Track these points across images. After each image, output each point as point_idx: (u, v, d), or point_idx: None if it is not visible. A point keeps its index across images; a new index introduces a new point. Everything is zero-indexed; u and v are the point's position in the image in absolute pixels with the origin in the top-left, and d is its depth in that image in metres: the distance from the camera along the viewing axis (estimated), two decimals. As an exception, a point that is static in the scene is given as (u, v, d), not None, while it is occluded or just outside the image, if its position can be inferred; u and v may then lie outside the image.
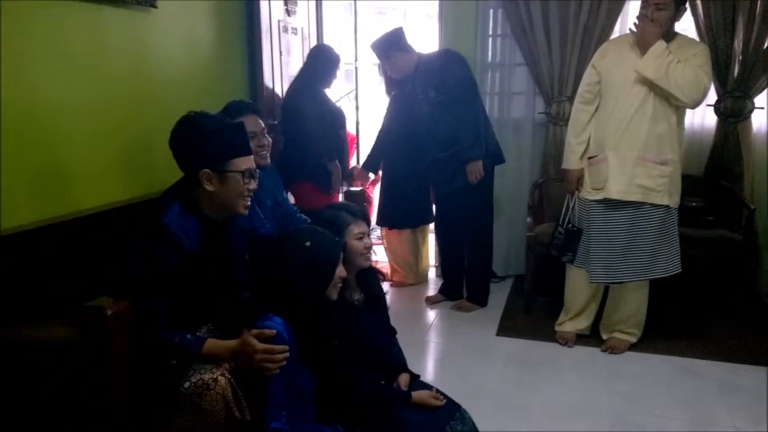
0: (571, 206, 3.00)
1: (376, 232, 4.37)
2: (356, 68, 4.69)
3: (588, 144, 2.90)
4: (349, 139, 4.04)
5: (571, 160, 2.94)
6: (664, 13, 2.61)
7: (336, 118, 3.54)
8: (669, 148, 2.72)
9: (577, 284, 3.04)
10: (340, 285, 1.79)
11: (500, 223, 3.90)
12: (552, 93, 3.74)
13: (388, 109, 3.71)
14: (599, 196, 2.82)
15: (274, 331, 1.62)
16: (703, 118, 3.66)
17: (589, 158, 2.89)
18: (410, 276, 4.02)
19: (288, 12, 3.67)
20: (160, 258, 1.61)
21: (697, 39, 3.29)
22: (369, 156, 3.83)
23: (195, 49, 2.84)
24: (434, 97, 3.30)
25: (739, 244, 3.24)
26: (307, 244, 1.72)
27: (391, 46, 3.37)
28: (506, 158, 3.56)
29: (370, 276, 2.16)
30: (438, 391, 2.13)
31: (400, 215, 3.82)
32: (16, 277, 1.76)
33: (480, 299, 3.60)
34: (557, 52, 3.65)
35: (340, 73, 3.60)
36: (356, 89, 4.76)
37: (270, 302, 1.71)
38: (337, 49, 3.55)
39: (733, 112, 3.48)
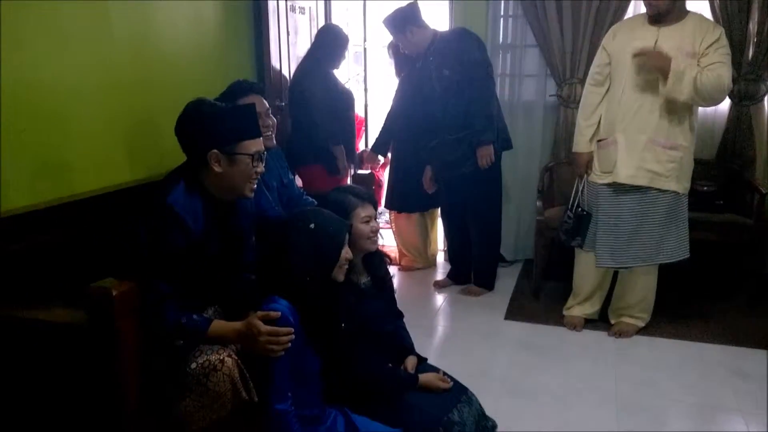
0: (580, 190, 2.97)
1: (384, 216, 4.36)
2: (365, 49, 4.65)
3: (598, 127, 2.87)
4: (357, 121, 4.00)
5: (581, 143, 2.91)
6: None
7: (345, 100, 3.51)
8: (680, 132, 2.68)
9: (586, 269, 3.02)
10: (346, 267, 1.78)
11: (509, 207, 3.88)
12: (564, 75, 3.69)
13: (397, 89, 3.67)
14: (607, 180, 2.79)
15: (279, 313, 1.62)
16: (715, 101, 3.60)
17: (599, 141, 2.85)
18: (418, 260, 4.01)
19: (295, -8, 3.64)
20: (166, 238, 1.61)
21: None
22: (378, 138, 3.80)
23: (201, 30, 2.82)
24: (448, 77, 3.23)
25: (750, 229, 3.20)
26: (312, 226, 1.71)
27: (407, 21, 3.27)
28: (516, 141, 3.53)
29: (377, 259, 2.15)
30: (445, 373, 2.13)
31: (408, 199, 3.80)
32: (22, 259, 1.77)
33: (487, 283, 3.59)
34: (569, 33, 3.60)
35: (349, 54, 3.56)
36: (365, 71, 4.71)
37: (275, 284, 1.71)
38: (345, 30, 3.51)
39: (747, 95, 3.42)
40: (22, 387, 1.58)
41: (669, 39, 2.63)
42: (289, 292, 1.67)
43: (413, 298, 3.50)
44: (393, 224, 4.02)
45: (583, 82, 3.27)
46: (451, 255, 3.79)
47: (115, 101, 2.28)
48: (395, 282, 2.25)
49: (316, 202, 2.43)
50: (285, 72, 3.59)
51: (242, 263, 1.94)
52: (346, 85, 3.66)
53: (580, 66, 3.62)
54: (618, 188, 2.78)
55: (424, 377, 2.04)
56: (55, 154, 2.05)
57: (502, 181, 3.53)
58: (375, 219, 2.07)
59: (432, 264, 4.08)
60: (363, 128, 4.77)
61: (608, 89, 2.83)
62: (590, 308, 3.09)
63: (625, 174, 2.71)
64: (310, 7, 3.85)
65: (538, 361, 2.76)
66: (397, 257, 4.01)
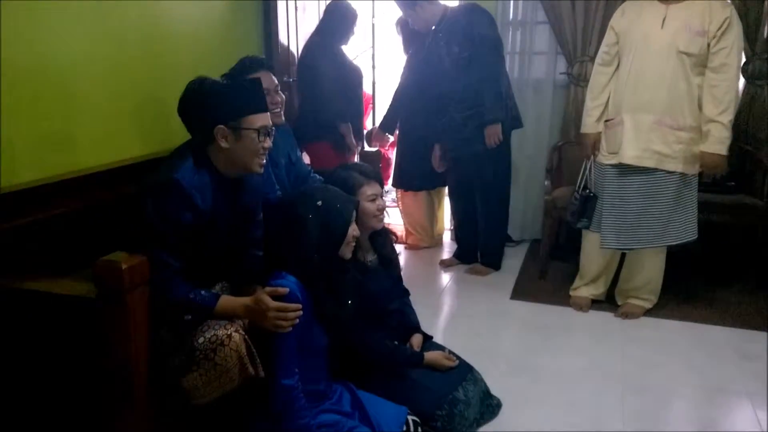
0: (587, 171, 2.95)
1: (391, 195, 4.35)
2: (373, 25, 4.60)
3: (606, 107, 2.83)
4: (365, 99, 3.97)
5: (588, 124, 2.88)
6: None
7: (354, 77, 3.48)
8: (689, 112, 2.64)
9: (594, 249, 3.00)
10: (353, 244, 1.79)
11: (517, 187, 3.85)
12: (574, 53, 3.64)
13: (405, 66, 3.63)
14: (614, 161, 2.77)
15: (287, 289, 1.63)
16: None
17: (606, 121, 2.82)
18: (425, 239, 4.00)
19: (304, -33, 3.59)
20: (173, 213, 1.61)
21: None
22: (386, 116, 3.77)
23: (208, 6, 2.79)
24: (457, 53, 3.18)
25: (761, 210, 3.17)
26: (319, 203, 1.71)
27: None
28: (525, 120, 3.50)
29: (383, 237, 2.15)
30: (451, 352, 2.15)
31: (416, 177, 3.78)
32: (32, 232, 1.78)
33: (494, 263, 3.59)
34: (581, 9, 3.54)
35: (358, 30, 3.51)
36: (373, 47, 4.66)
37: (283, 260, 1.71)
38: (354, 6, 3.46)
39: (761, 74, 3.36)
40: (31, 359, 1.60)
41: (677, 17, 2.59)
42: (297, 268, 1.68)
43: (419, 276, 3.50)
44: (400, 202, 4.01)
45: (594, 60, 3.23)
46: (458, 234, 3.78)
47: (122, 77, 2.27)
48: (401, 260, 2.25)
49: (323, 180, 2.43)
50: (293, 48, 3.56)
51: (250, 239, 1.94)
52: (355, 62, 3.62)
53: (592, 43, 3.56)
54: (624, 169, 2.75)
55: (430, 355, 2.05)
56: (63, 129, 2.05)
57: (511, 159, 3.50)
58: (381, 197, 2.06)
59: (438, 243, 4.07)
60: (370, 105, 4.73)
61: (617, 69, 2.79)
62: (597, 289, 3.09)
63: (631, 155, 2.68)
64: (318, -18, 3.80)
65: (543, 341, 2.76)
66: (404, 236, 4.01)
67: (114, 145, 2.25)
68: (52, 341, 1.57)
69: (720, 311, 3.04)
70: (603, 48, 2.82)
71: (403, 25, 3.54)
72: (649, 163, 2.67)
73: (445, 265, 3.70)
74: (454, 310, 3.22)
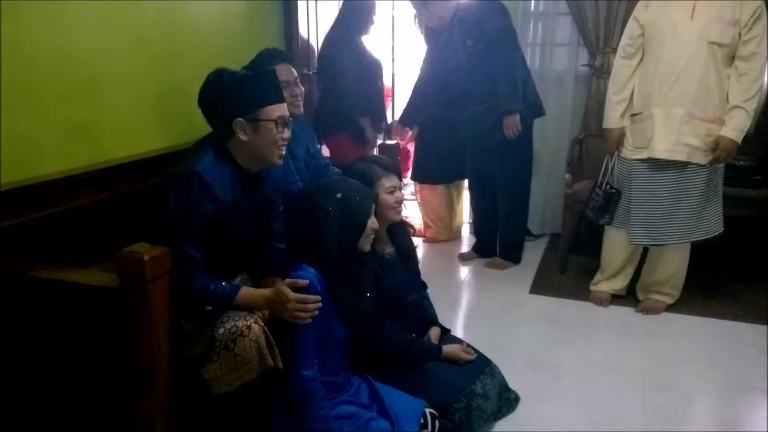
0: (610, 166, 2.91)
1: (410, 187, 4.34)
2: (393, 18, 4.58)
3: (630, 101, 2.79)
4: (384, 91, 3.96)
5: (612, 119, 2.83)
6: None
7: (373, 69, 3.48)
8: (719, 104, 2.60)
9: (616, 244, 2.97)
10: (372, 236, 1.79)
11: (537, 180, 3.82)
12: (597, 44, 3.59)
13: (424, 60, 3.62)
14: (642, 155, 2.72)
15: (307, 281, 1.63)
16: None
17: (632, 116, 2.78)
18: (443, 232, 4.00)
19: (324, -41, 3.58)
20: (195, 205, 1.63)
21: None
22: (405, 110, 3.76)
23: (230, -2, 2.81)
24: (471, 47, 3.18)
25: (786, 206, 3.12)
26: (339, 195, 1.71)
27: None
28: (546, 112, 3.46)
29: (401, 230, 2.15)
30: (468, 345, 2.14)
31: (435, 170, 3.78)
32: (58, 222, 1.81)
33: (514, 256, 3.57)
34: (604, 0, 3.49)
35: (377, 21, 3.50)
36: (392, 40, 4.65)
37: (303, 252, 1.72)
38: (374, -2, 3.45)
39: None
40: (54, 348, 1.63)
41: (707, 7, 2.55)
42: (317, 260, 1.68)
43: (437, 270, 3.50)
44: (418, 195, 4.01)
45: (616, 52, 3.19)
46: (477, 227, 3.77)
47: (146, 71, 2.30)
48: (419, 253, 2.24)
49: (342, 173, 2.43)
50: (313, 41, 3.56)
51: (270, 231, 1.95)
52: (374, 54, 3.61)
53: (614, 35, 3.51)
54: (653, 164, 2.71)
55: (448, 348, 2.05)
56: (90, 120, 2.08)
57: (532, 151, 3.48)
58: (400, 189, 2.06)
59: (457, 236, 4.06)
60: (390, 98, 4.72)
61: (640, 61, 2.75)
62: (618, 284, 3.06)
63: (662, 149, 2.64)
64: (338, -25, 3.79)
65: (563, 336, 2.74)
66: (422, 229, 4.01)
67: (138, 137, 2.28)
68: (74, 331, 1.59)
69: (743, 307, 2.99)
70: (626, 40, 2.77)
71: (421, 21, 3.53)
72: (680, 157, 2.63)
73: (464, 258, 3.69)
74: (472, 304, 3.21)
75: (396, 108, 4.87)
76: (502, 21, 3.16)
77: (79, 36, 2.00)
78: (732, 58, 2.58)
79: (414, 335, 2.05)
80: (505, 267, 3.53)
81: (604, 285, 3.08)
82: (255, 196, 1.82)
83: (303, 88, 2.41)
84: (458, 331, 2.68)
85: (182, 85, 2.43)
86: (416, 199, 4.04)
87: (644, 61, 2.73)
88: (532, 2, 3.73)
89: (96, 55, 2.07)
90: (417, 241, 3.47)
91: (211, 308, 1.67)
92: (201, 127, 1.84)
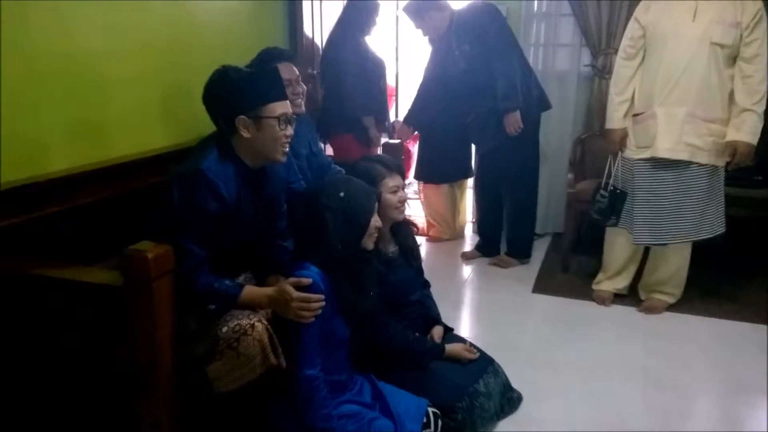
0: (614, 167, 2.91)
1: (413, 187, 4.34)
2: (397, 17, 4.58)
3: (632, 101, 2.79)
4: (388, 91, 3.97)
5: (615, 119, 2.83)
6: None
7: (376, 69, 3.48)
8: (720, 104, 2.61)
9: (618, 244, 2.97)
10: (375, 235, 1.79)
11: (540, 180, 3.80)
12: (599, 45, 3.59)
13: (428, 63, 3.63)
14: (645, 155, 2.73)
15: (310, 280, 1.64)
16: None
17: (635, 116, 2.78)
18: (446, 231, 4.00)
19: (328, -41, 3.58)
20: (199, 204, 1.63)
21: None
22: (410, 110, 3.76)
23: (234, -4, 2.81)
24: (469, 52, 3.24)
25: (787, 206, 3.11)
26: (342, 194, 1.72)
27: (426, 7, 3.28)
28: (549, 112, 3.47)
29: (404, 229, 2.15)
30: (471, 344, 2.14)
31: (439, 170, 3.78)
32: (62, 221, 1.82)
33: (522, 253, 3.57)
34: (606, 1, 3.49)
35: (381, 21, 3.50)
36: (396, 39, 4.65)
37: (306, 251, 1.72)
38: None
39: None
40: (58, 346, 1.63)
41: (709, 9, 2.56)
42: (320, 259, 1.69)
43: (441, 269, 3.50)
44: (422, 195, 4.01)
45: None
46: (481, 226, 3.77)
47: (150, 67, 2.30)
48: (422, 252, 2.25)
49: (344, 172, 2.43)
50: (318, 40, 3.56)
51: (274, 230, 1.96)
52: (378, 54, 3.62)
53: (617, 36, 3.51)
54: (656, 163, 2.71)
55: (451, 347, 2.06)
56: (94, 118, 2.08)
57: (539, 150, 3.50)
58: (403, 189, 2.06)
59: (459, 235, 4.07)
60: (393, 97, 4.72)
61: (642, 61, 2.75)
62: (620, 283, 3.06)
63: (665, 148, 2.65)
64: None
65: (565, 335, 2.75)
66: (425, 227, 4.01)
67: (142, 136, 2.28)
68: (78, 329, 1.60)
69: (744, 307, 2.99)
70: (627, 41, 2.77)
71: None
72: (683, 156, 2.64)
73: (467, 257, 3.69)
74: (475, 303, 3.21)
75: (400, 107, 4.88)
76: (496, 23, 3.22)
77: (84, 35, 2.00)
78: (733, 59, 2.59)
79: (417, 334, 2.05)
80: (510, 265, 3.54)
81: (606, 284, 3.08)
82: (259, 195, 1.83)
83: (305, 87, 2.42)
84: (461, 330, 2.68)
85: (186, 84, 2.44)
86: (419, 198, 4.04)
87: (646, 62, 2.74)
88: (535, 3, 3.73)
89: (100, 54, 2.07)
90: (420, 240, 3.47)
91: (214, 307, 1.68)
92: (205, 125, 1.84)
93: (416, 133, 3.86)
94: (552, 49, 3.77)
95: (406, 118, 3.75)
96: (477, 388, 1.98)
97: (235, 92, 1.70)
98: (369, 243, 1.78)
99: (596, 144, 3.55)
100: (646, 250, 2.97)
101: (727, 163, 2.67)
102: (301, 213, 1.83)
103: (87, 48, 2.02)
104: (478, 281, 3.43)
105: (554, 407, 2.20)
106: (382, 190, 1.96)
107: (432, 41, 3.54)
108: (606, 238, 3.05)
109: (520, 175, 3.43)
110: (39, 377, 1.67)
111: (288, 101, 1.78)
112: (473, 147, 3.77)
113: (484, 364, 2.10)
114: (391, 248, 2.11)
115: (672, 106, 2.63)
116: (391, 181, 2.01)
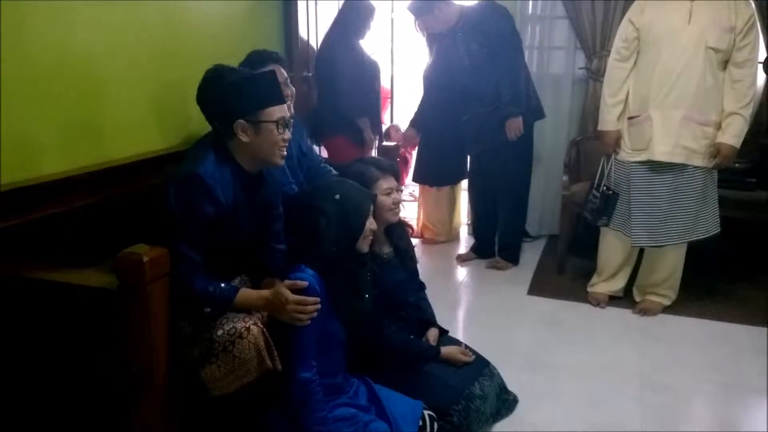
0: (606, 169, 2.92)
1: (409, 189, 4.34)
2: (392, 20, 4.59)
3: (626, 103, 2.80)
4: (382, 93, 3.96)
5: (608, 121, 2.83)
6: None
7: (371, 71, 3.48)
8: (714, 107, 2.63)
9: (612, 246, 2.99)
10: (370, 237, 1.79)
11: (535, 182, 3.82)
12: (593, 47, 3.61)
13: (429, 64, 3.63)
14: (641, 158, 2.74)
15: (306, 282, 1.64)
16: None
17: (629, 118, 2.79)
18: (442, 233, 4.00)
19: (323, -39, 3.58)
20: (196, 207, 1.63)
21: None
22: (417, 114, 3.75)
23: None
24: (477, 51, 3.22)
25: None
26: (337, 196, 1.72)
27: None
28: (544, 115, 3.48)
29: (399, 231, 2.16)
30: (467, 347, 2.14)
31: (438, 172, 3.79)
32: (57, 223, 1.81)
33: (512, 257, 3.58)
34: (600, 4, 3.52)
35: (376, 24, 3.51)
36: (392, 42, 4.66)
37: (302, 254, 1.72)
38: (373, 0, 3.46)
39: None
40: (52, 349, 1.62)
41: (704, 12, 2.57)
42: (315, 261, 1.69)
43: (436, 271, 3.50)
44: (420, 197, 4.01)
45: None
46: (476, 228, 3.78)
47: (146, 69, 2.29)
48: (417, 254, 2.25)
49: (334, 171, 2.43)
50: (312, 42, 3.56)
51: (270, 233, 1.95)
52: (373, 57, 3.62)
53: (611, 38, 3.50)
54: (652, 166, 2.72)
55: (446, 350, 2.06)
56: (90, 120, 2.07)
57: (533, 153, 3.50)
58: (397, 191, 2.07)
59: (455, 237, 4.07)
60: (388, 100, 4.71)
61: (635, 64, 2.76)
62: (615, 285, 3.07)
63: (661, 151, 2.66)
64: (337, -23, 3.79)
65: (561, 337, 2.75)
66: (420, 230, 4.01)
67: (139, 137, 2.27)
68: (73, 332, 1.59)
69: (739, 308, 3.01)
70: (620, 43, 2.78)
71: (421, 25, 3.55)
72: (679, 159, 2.66)
73: (462, 259, 3.69)
74: (470, 305, 3.21)
75: (395, 110, 4.88)
76: (507, 25, 3.21)
77: (80, 36, 1.99)
78: (726, 63, 2.61)
79: (413, 336, 2.05)
80: (507, 267, 3.55)
81: (601, 286, 3.09)
82: (256, 198, 1.82)
83: (293, 89, 2.42)
84: (456, 333, 2.68)
85: (183, 85, 2.43)
86: (416, 201, 4.04)
87: (640, 64, 2.74)
88: (530, 5, 3.75)
89: (97, 56, 2.06)
90: (414, 242, 3.46)
91: (210, 310, 1.67)
92: (201, 128, 1.84)
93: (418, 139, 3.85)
94: (546, 51, 3.79)
95: (413, 122, 3.74)
96: (473, 390, 1.98)
97: (233, 95, 1.69)
98: (364, 245, 1.78)
99: (591, 146, 3.56)
100: (641, 252, 2.98)
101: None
102: (296, 215, 1.83)
103: (83, 50, 2.01)
104: (473, 283, 3.43)
105: (550, 409, 2.20)
106: (377, 192, 1.96)
107: (432, 41, 3.54)
108: (601, 240, 3.05)
109: (513, 180, 3.44)
110: (33, 380, 1.66)
111: (285, 105, 1.78)
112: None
113: (479, 366, 2.10)
114: (386, 250, 2.11)
115: (668, 109, 2.64)
116: (386, 184, 2.02)
